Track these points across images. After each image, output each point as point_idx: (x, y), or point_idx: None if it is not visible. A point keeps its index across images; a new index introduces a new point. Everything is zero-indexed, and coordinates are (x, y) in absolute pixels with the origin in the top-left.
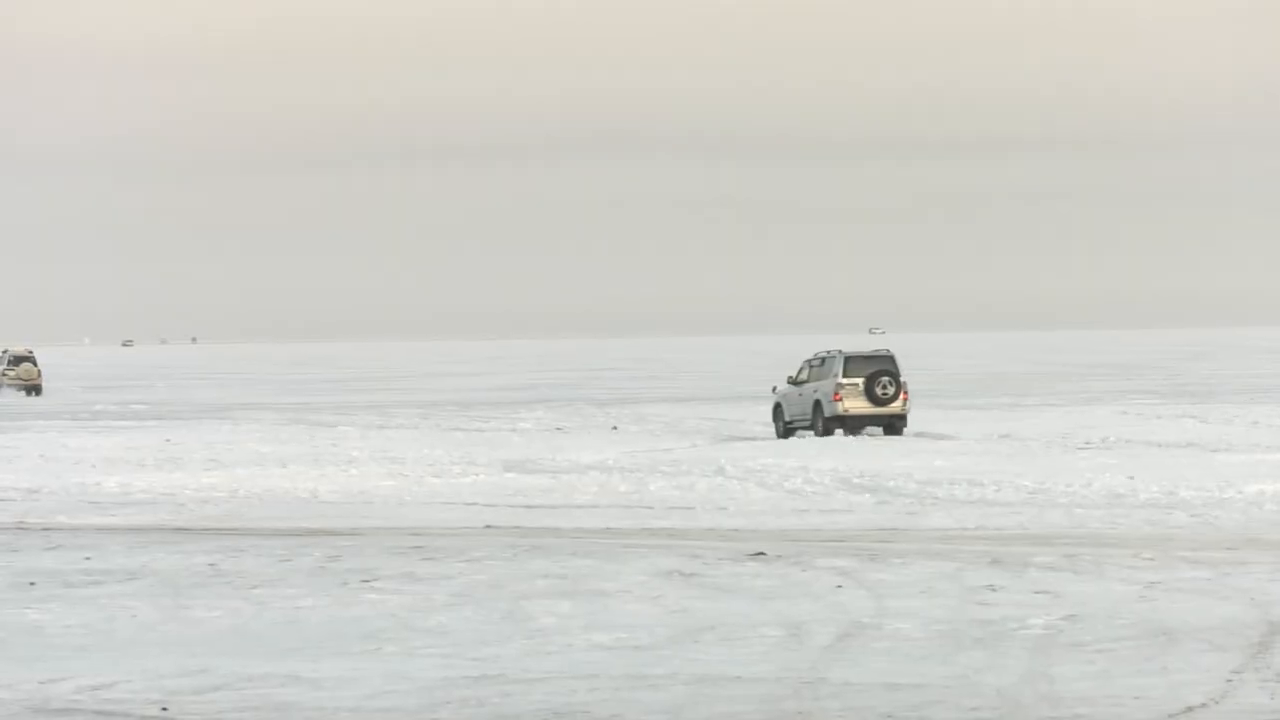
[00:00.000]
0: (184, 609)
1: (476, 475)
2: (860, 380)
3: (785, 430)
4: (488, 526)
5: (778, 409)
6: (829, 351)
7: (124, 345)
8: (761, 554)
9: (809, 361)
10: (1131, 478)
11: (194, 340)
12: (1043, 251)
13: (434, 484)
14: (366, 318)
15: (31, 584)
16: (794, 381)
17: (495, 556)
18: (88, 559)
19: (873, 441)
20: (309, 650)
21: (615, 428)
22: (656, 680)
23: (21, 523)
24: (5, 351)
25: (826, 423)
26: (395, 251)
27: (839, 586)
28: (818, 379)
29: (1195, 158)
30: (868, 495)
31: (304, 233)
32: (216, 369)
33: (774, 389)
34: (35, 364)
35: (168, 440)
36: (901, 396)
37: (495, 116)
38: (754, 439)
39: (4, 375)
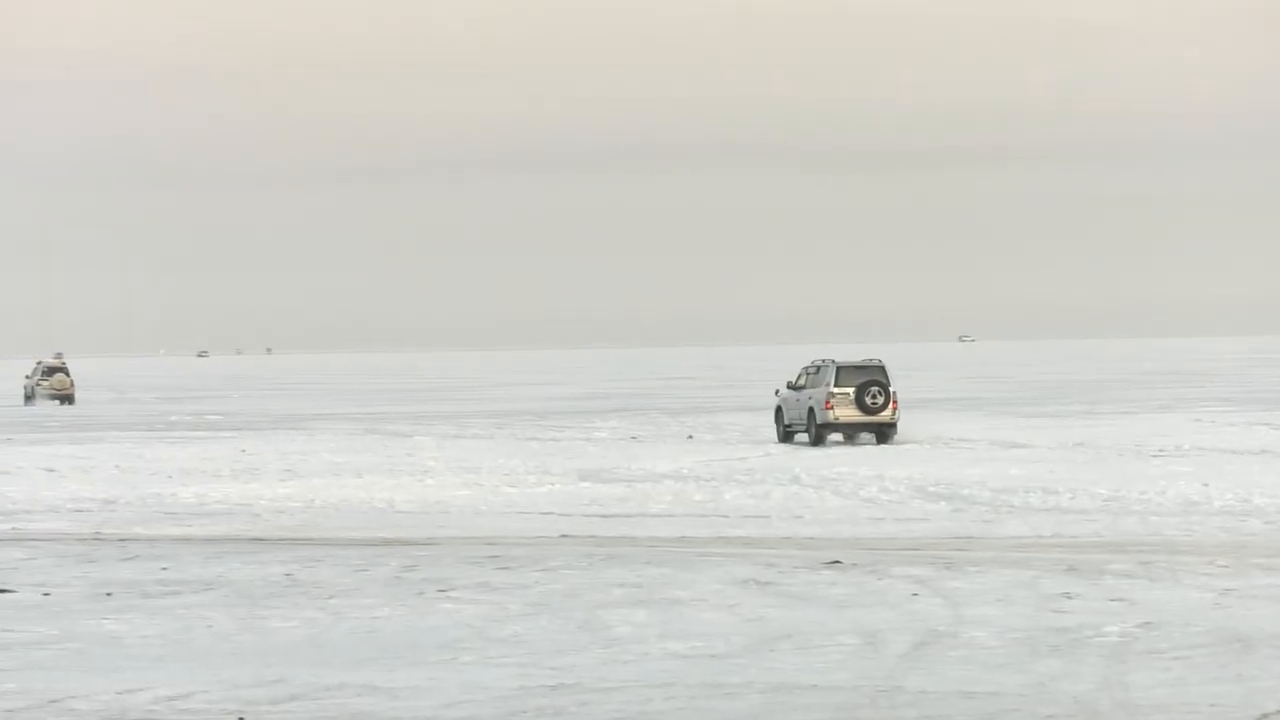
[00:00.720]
0: (260, 619)
1: (552, 484)
2: (851, 389)
3: (785, 433)
4: (563, 536)
5: (779, 412)
6: (824, 360)
7: (199, 356)
8: (837, 562)
9: (807, 369)
10: (1206, 485)
11: (269, 351)
12: (1102, 258)
13: (510, 493)
14: (439, 327)
15: (108, 595)
16: (793, 387)
17: (571, 566)
18: (164, 569)
19: (947, 449)
20: (385, 660)
21: (690, 436)
22: (732, 689)
23: (98, 533)
24: (39, 363)
25: (819, 429)
26: (468, 262)
27: (915, 595)
28: (813, 386)
29: (1265, 164)
30: (943, 503)
31: (378, 244)
32: (291, 379)
33: (777, 392)
34: (68, 374)
35: (243, 451)
36: (891, 405)
37: (564, 127)
38: (828, 447)
39: (38, 385)
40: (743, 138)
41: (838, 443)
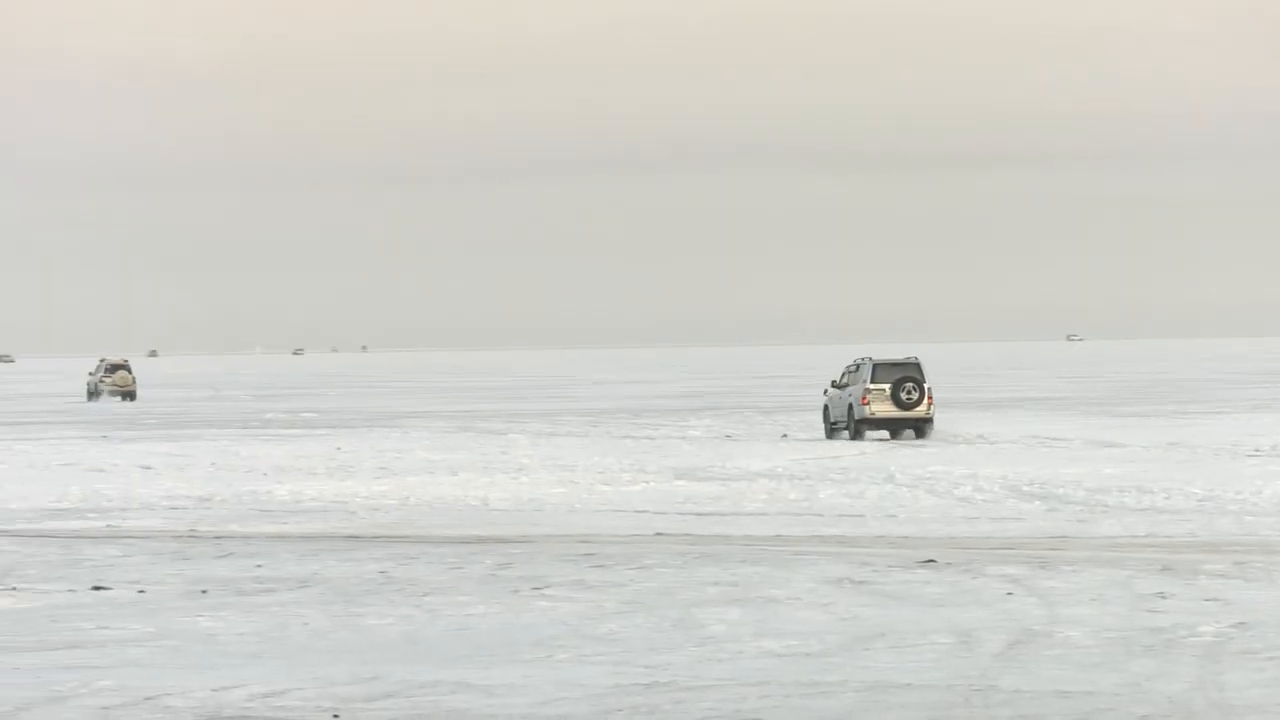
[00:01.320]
0: (355, 616)
1: (647, 482)
2: (887, 386)
3: (831, 430)
4: (658, 534)
5: (825, 410)
6: (863, 359)
7: (295, 354)
8: (932, 561)
9: (848, 367)
10: None
11: (364, 348)
12: (1211, 259)
13: (604, 491)
14: (533, 325)
15: (204, 592)
16: (837, 385)
17: (666, 564)
18: (259, 567)
19: (1042, 448)
20: (480, 657)
21: (785, 435)
22: (827, 687)
23: (194, 531)
24: (102, 361)
25: (857, 425)
26: (560, 260)
27: (1009, 594)
28: (853, 384)
29: None
30: (1037, 503)
31: (471, 242)
32: (386, 377)
33: (824, 391)
34: (130, 371)
35: (338, 448)
36: (926, 401)
37: (670, 128)
38: (922, 446)
39: (101, 382)
40: (823, 139)
41: (881, 439)
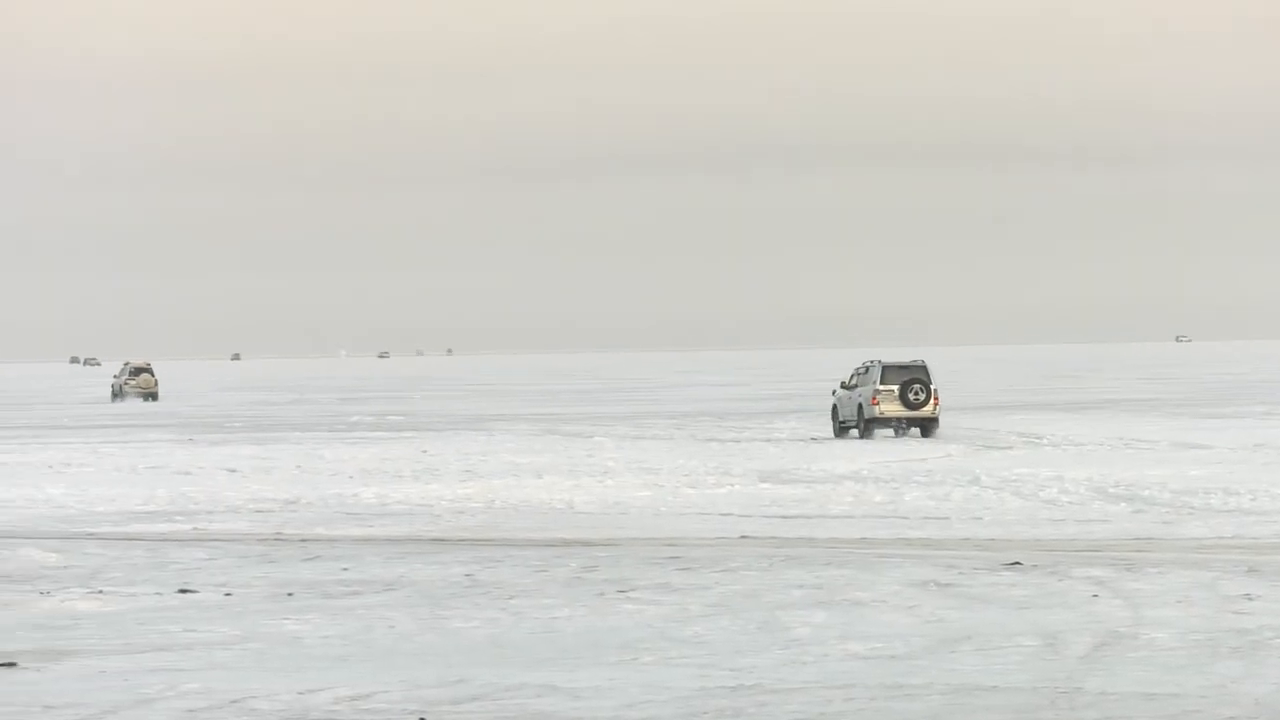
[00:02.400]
0: (441, 619)
1: (732, 485)
2: (896, 386)
3: (840, 429)
4: (743, 537)
5: (834, 410)
6: (872, 361)
7: (380, 357)
8: (1017, 564)
9: (858, 369)
10: None
11: (449, 352)
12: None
13: (689, 494)
14: (618, 327)
15: (290, 595)
16: (846, 386)
17: (751, 567)
18: (345, 570)
19: (1128, 450)
20: (566, 660)
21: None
22: (913, 690)
23: (279, 534)
24: (126, 364)
25: (866, 423)
26: (645, 264)
27: (1095, 596)
28: (862, 385)
29: None
30: (1123, 505)
31: (558, 244)
32: (471, 380)
33: (833, 392)
34: (152, 374)
35: (424, 451)
36: (932, 401)
37: (753, 124)
38: (1009, 448)
39: (126, 384)
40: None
41: (887, 436)
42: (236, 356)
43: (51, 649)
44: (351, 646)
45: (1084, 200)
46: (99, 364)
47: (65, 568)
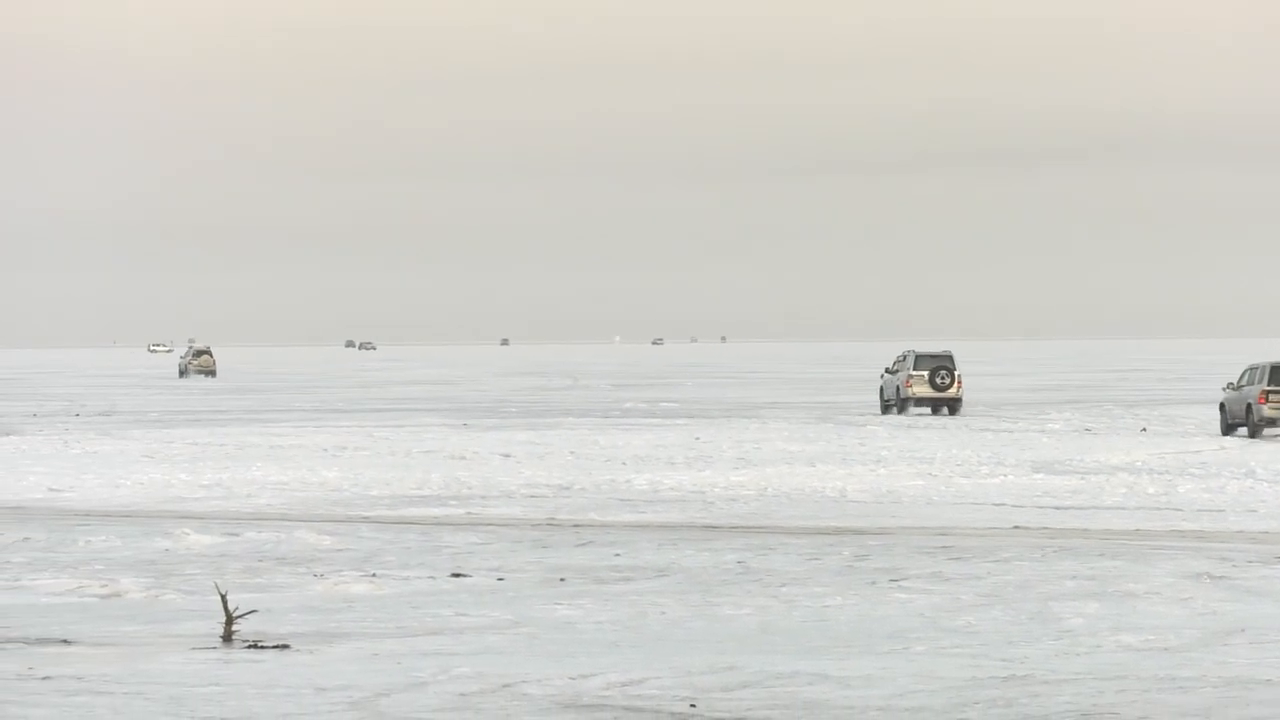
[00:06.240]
0: (712, 606)
1: (1004, 475)
2: (926, 372)
3: (884, 407)
4: (1016, 527)
5: (881, 391)
6: (908, 351)
7: (654, 344)
8: None
9: (898, 358)
10: None
11: (723, 339)
12: None
13: (962, 484)
14: (888, 317)
15: (562, 580)
16: (890, 371)
17: (1023, 557)
18: (617, 555)
19: None
20: (837, 649)
21: (1144, 429)
22: (1185, 682)
23: (552, 519)
24: (190, 346)
25: (901, 403)
26: (923, 252)
27: None
28: (901, 370)
29: None
30: None
31: (829, 234)
32: (745, 367)
33: (881, 375)
34: (211, 355)
35: (697, 438)
36: (956, 385)
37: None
38: (1277, 440)
39: (190, 364)
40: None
41: (922, 413)
42: (505, 341)
43: (325, 631)
44: (623, 632)
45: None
46: (374, 348)
47: (339, 551)
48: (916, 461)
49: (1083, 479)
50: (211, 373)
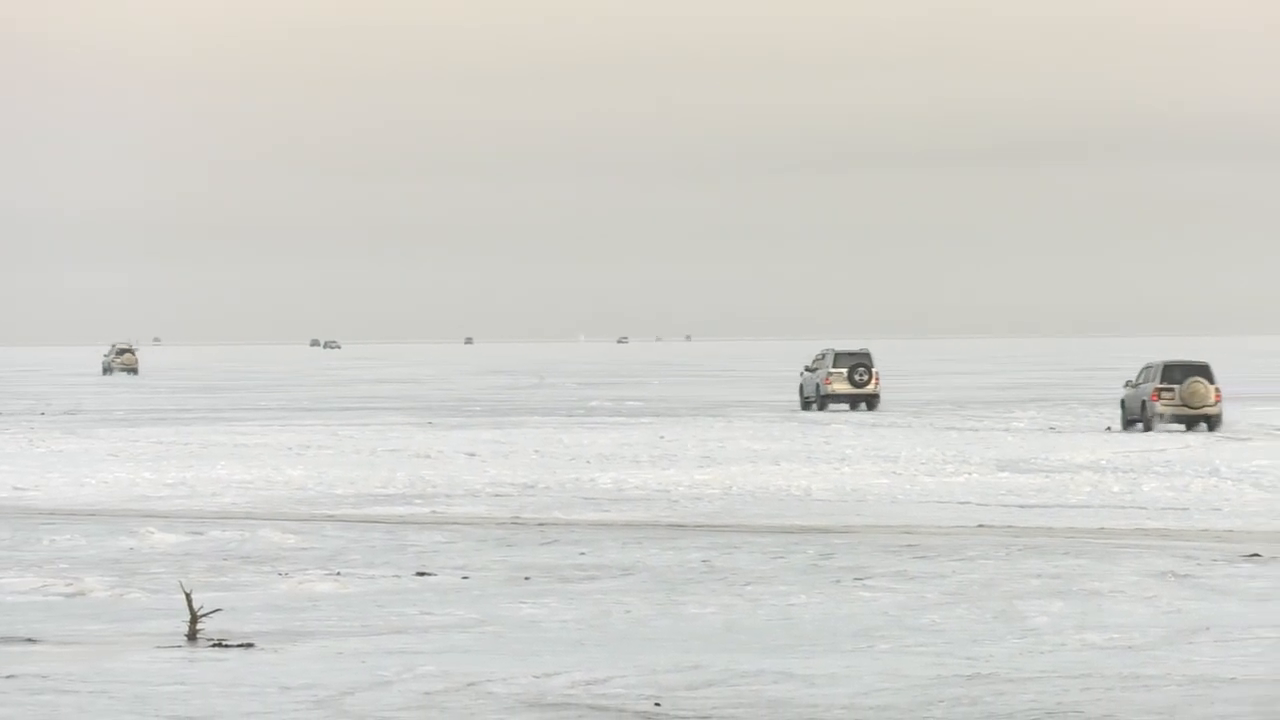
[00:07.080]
0: (677, 605)
1: (969, 474)
2: (844, 370)
3: (804, 404)
4: (980, 525)
5: (801, 389)
6: (827, 349)
7: (619, 342)
8: (1256, 555)
9: (817, 356)
10: None
11: (688, 338)
12: None
13: (927, 482)
14: (857, 316)
15: (527, 579)
16: (809, 369)
17: (988, 556)
18: (582, 554)
19: None
20: (802, 647)
21: (1109, 428)
22: (1150, 681)
23: (517, 518)
24: (113, 345)
25: (821, 400)
26: (880, 253)
27: None
28: (820, 368)
29: None
30: None
31: (796, 232)
32: (710, 366)
33: (800, 374)
34: (134, 354)
35: (662, 437)
36: (874, 381)
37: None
38: (1248, 439)
39: (113, 361)
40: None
41: (840, 409)
42: (469, 340)
43: (290, 630)
44: (588, 631)
45: None
46: (339, 346)
47: (304, 549)
48: (881, 460)
49: (1047, 477)
50: (134, 370)
